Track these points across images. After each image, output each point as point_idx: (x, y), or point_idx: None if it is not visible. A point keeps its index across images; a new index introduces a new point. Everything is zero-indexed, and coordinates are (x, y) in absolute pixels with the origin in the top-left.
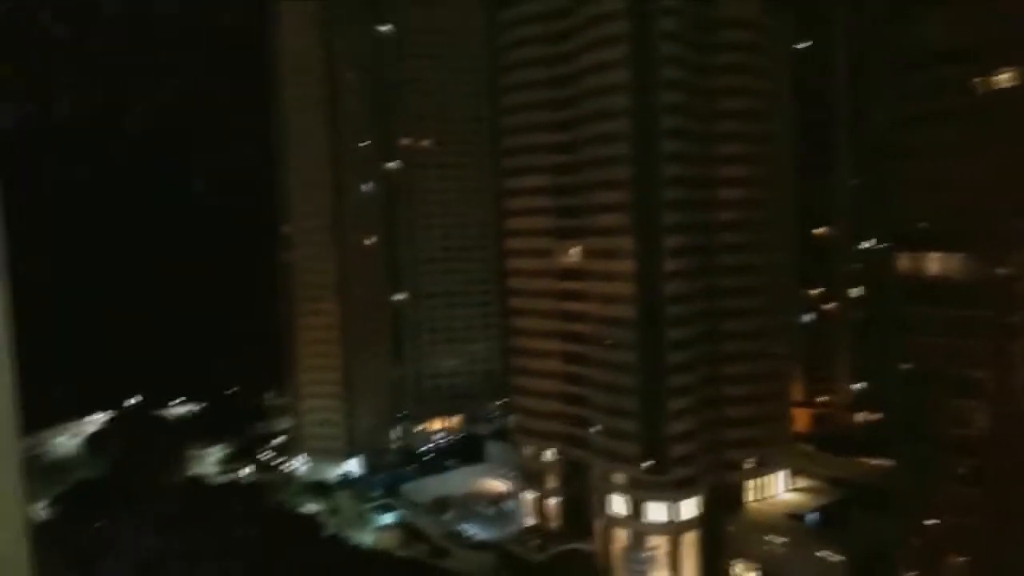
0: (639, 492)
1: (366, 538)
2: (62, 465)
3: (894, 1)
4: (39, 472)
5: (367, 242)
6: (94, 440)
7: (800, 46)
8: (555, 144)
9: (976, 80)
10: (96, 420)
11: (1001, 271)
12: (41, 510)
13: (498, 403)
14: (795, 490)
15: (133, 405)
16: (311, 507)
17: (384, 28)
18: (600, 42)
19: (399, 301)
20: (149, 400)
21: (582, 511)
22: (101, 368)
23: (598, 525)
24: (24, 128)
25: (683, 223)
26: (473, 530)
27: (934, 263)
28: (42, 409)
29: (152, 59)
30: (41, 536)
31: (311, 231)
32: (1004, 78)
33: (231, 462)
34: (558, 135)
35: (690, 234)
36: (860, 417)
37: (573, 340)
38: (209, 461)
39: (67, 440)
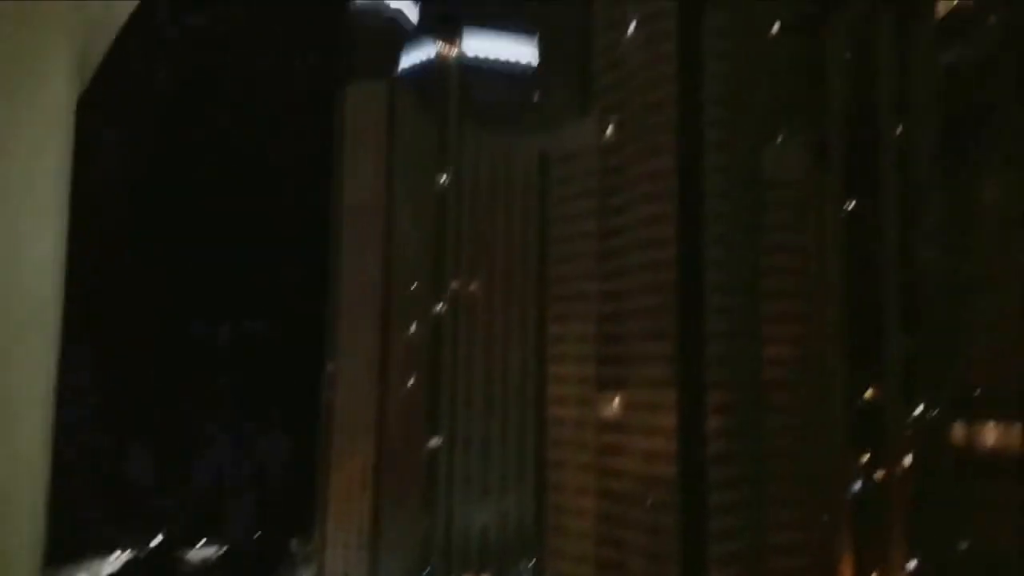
0: None
1: None
2: None
3: (950, 169)
4: None
5: (408, 384)
6: None
7: (849, 206)
8: (601, 293)
9: None
10: (115, 560)
11: None
12: None
13: (530, 563)
14: None
15: (154, 547)
16: None
17: (443, 178)
18: (649, 197)
19: (435, 447)
20: (172, 540)
21: None
22: (131, 500)
23: None
24: None
25: (728, 379)
26: None
27: (991, 433)
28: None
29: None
30: None
31: (355, 370)
32: None
33: None
34: (605, 284)
35: (735, 391)
36: None
37: (611, 499)
38: None
39: None
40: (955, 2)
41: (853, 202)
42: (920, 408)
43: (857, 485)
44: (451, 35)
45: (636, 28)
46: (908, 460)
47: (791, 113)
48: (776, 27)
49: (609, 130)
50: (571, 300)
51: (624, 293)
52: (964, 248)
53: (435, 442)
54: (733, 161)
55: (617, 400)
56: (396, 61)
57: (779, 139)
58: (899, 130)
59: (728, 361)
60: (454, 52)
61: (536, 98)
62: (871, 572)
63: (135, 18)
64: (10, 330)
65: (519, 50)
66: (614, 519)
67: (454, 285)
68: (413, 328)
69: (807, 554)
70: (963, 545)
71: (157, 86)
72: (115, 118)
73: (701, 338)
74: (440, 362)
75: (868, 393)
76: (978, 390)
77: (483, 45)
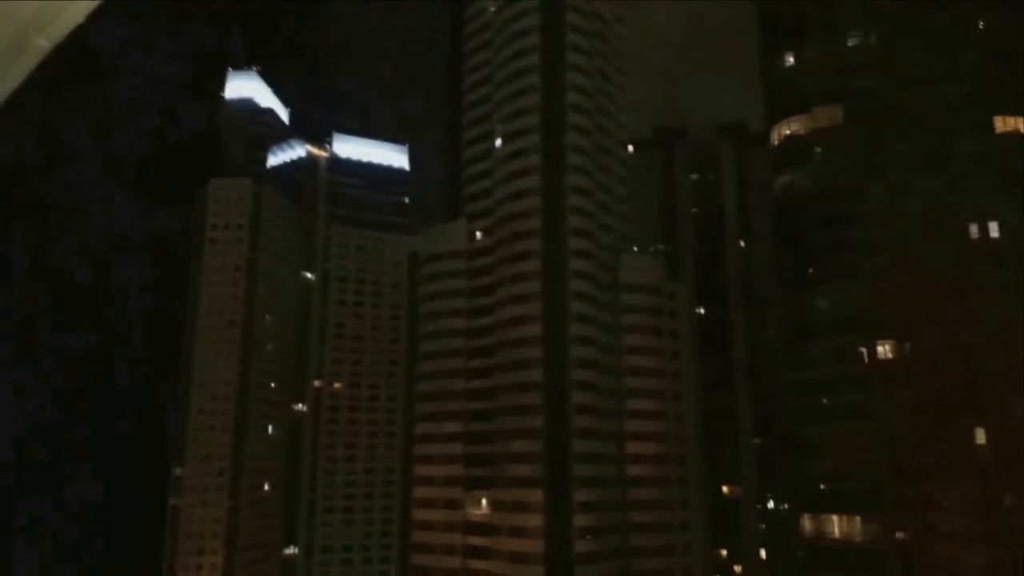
0: None
1: None
2: None
3: (787, 280)
4: None
5: (264, 488)
6: None
7: (701, 311)
8: (470, 390)
9: (862, 349)
10: None
11: (900, 535)
12: None
13: None
14: None
15: None
16: None
17: (310, 275)
18: (517, 299)
19: (290, 555)
20: None
21: None
22: None
23: None
24: None
25: (593, 476)
26: None
27: (836, 525)
28: None
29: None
30: None
31: (205, 475)
32: (886, 348)
33: None
34: (474, 382)
35: (600, 488)
36: None
37: None
38: None
39: None
40: (788, 131)
41: (703, 309)
42: (772, 503)
43: None
44: (322, 137)
45: (503, 142)
46: (763, 553)
47: (645, 224)
48: (630, 148)
49: (478, 234)
50: (440, 399)
51: (492, 391)
52: (804, 353)
53: (291, 551)
54: (595, 267)
55: (484, 501)
56: (264, 158)
57: (635, 248)
58: (741, 244)
59: (593, 459)
60: (324, 153)
61: (406, 200)
62: None
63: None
64: None
65: (389, 154)
66: None
67: (316, 384)
68: (270, 430)
69: None
70: None
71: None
72: None
73: (568, 436)
74: (299, 466)
75: (725, 489)
76: (822, 485)
77: (354, 148)
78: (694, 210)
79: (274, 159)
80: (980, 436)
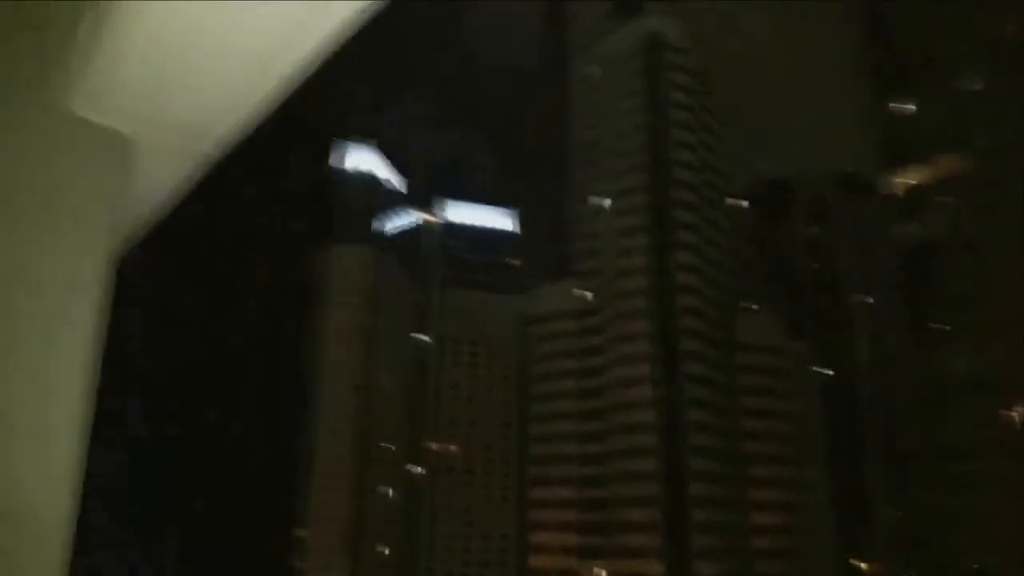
0: None
1: None
2: None
3: (919, 338)
4: None
5: (383, 551)
6: None
7: (825, 371)
8: (583, 455)
9: (1003, 412)
10: None
11: None
12: None
13: None
14: None
15: None
16: None
17: (425, 337)
18: (627, 359)
19: None
20: None
21: None
22: None
23: None
24: None
25: (715, 547)
26: None
27: None
28: None
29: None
30: None
31: (326, 536)
32: None
33: None
34: (586, 446)
35: (723, 561)
36: None
37: None
38: None
39: None
40: (910, 180)
41: (828, 370)
42: None
43: None
44: (434, 203)
45: (610, 201)
46: None
47: (761, 281)
48: (743, 203)
49: (587, 294)
50: (552, 462)
51: (605, 456)
52: (941, 416)
53: None
54: (706, 325)
55: (601, 571)
56: (379, 224)
57: (753, 306)
58: (866, 299)
59: (714, 528)
60: (436, 219)
61: (515, 262)
62: None
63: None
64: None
65: (499, 218)
66: None
67: (432, 446)
68: (389, 493)
69: None
70: None
71: None
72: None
73: (685, 504)
74: (416, 529)
75: (863, 565)
76: (975, 564)
77: (465, 212)
78: (812, 265)
79: (390, 226)
80: None
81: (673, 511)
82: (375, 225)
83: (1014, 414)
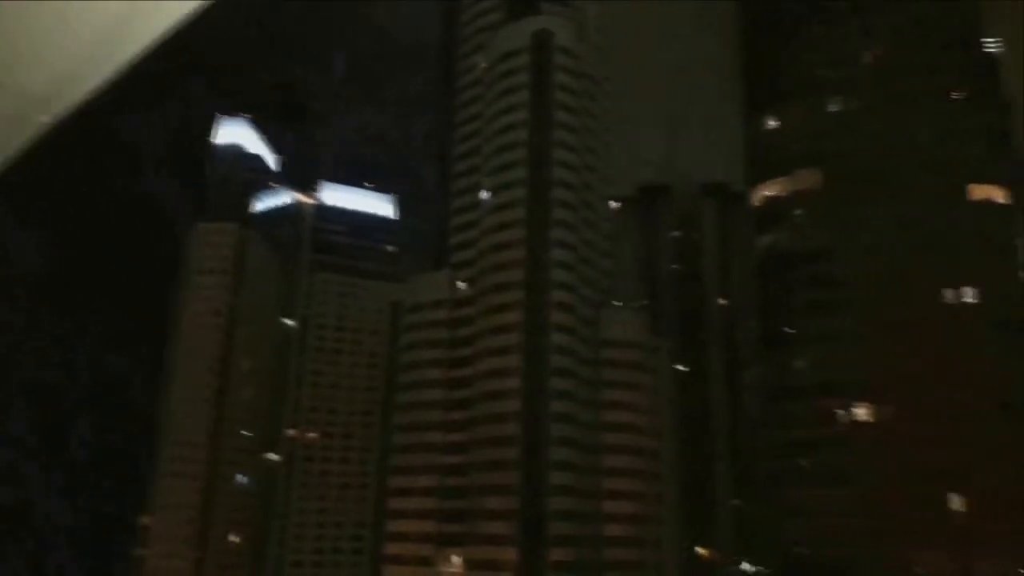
0: None
1: None
2: None
3: (768, 340)
4: None
5: (234, 539)
6: None
7: (681, 368)
8: (448, 444)
9: (841, 411)
10: None
11: None
12: None
13: None
14: None
15: None
16: None
17: (290, 322)
18: (496, 351)
19: None
20: None
21: None
22: None
23: None
24: None
25: (569, 535)
26: None
27: None
28: None
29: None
30: None
31: (173, 524)
32: (865, 411)
33: None
34: (452, 435)
35: (575, 547)
36: None
37: None
38: None
39: None
40: (769, 192)
41: (683, 366)
42: (748, 566)
43: None
44: (309, 184)
45: (490, 195)
46: None
47: (628, 280)
48: (615, 204)
49: (461, 285)
50: (415, 451)
51: (469, 444)
52: (783, 414)
53: None
54: (576, 320)
55: (457, 559)
56: (251, 204)
57: (618, 303)
58: (722, 302)
59: (570, 517)
60: (311, 200)
61: (391, 249)
62: None
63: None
64: None
65: (377, 203)
66: None
67: (291, 433)
68: (242, 480)
69: None
70: None
71: None
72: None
73: (543, 493)
74: (269, 518)
75: (703, 551)
76: (800, 549)
77: (341, 196)
78: (675, 267)
79: (260, 205)
80: (956, 502)
81: (531, 500)
82: (245, 203)
83: (850, 412)
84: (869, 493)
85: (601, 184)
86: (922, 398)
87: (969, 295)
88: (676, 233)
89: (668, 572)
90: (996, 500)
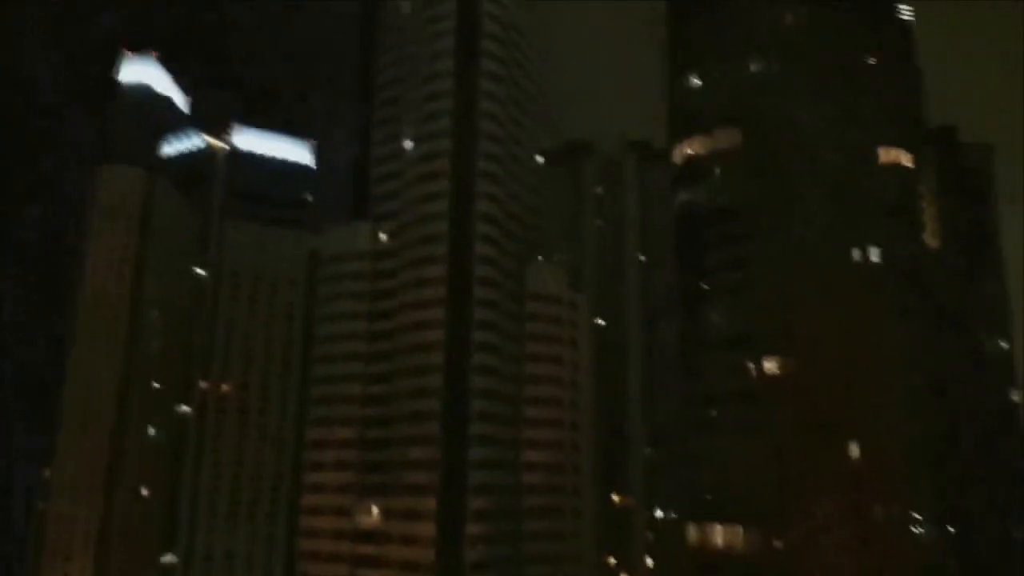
0: None
1: None
2: None
3: (684, 295)
4: None
5: (142, 492)
6: None
7: (600, 321)
8: (368, 395)
9: (751, 365)
10: None
11: (777, 544)
12: None
13: None
14: None
15: None
16: None
17: (202, 271)
18: (419, 304)
19: (169, 563)
20: None
21: None
22: None
23: None
24: None
25: (488, 484)
26: None
27: (719, 535)
28: None
29: None
30: None
31: (78, 476)
32: (773, 364)
33: None
34: (372, 387)
35: (495, 496)
36: None
37: None
38: None
39: None
40: (689, 151)
41: (602, 320)
42: (660, 513)
43: None
44: (222, 128)
45: (413, 144)
46: (650, 562)
47: (552, 235)
48: (540, 159)
49: (383, 236)
50: (334, 403)
51: (390, 397)
52: (697, 367)
53: (169, 558)
54: (500, 274)
55: (376, 509)
56: (159, 147)
57: (540, 257)
58: (641, 258)
59: (490, 466)
60: (224, 144)
61: (308, 197)
62: None
63: None
64: None
65: (293, 149)
66: None
67: (203, 385)
68: (152, 432)
69: None
70: None
71: None
72: None
73: (465, 443)
74: (181, 470)
75: (616, 498)
76: (708, 496)
77: (255, 141)
78: (598, 223)
79: (170, 149)
80: (854, 450)
81: (452, 450)
82: (153, 146)
83: (767, 364)
84: (774, 442)
85: (528, 139)
86: (827, 353)
87: (875, 255)
88: (599, 189)
89: (585, 519)
90: (890, 448)
